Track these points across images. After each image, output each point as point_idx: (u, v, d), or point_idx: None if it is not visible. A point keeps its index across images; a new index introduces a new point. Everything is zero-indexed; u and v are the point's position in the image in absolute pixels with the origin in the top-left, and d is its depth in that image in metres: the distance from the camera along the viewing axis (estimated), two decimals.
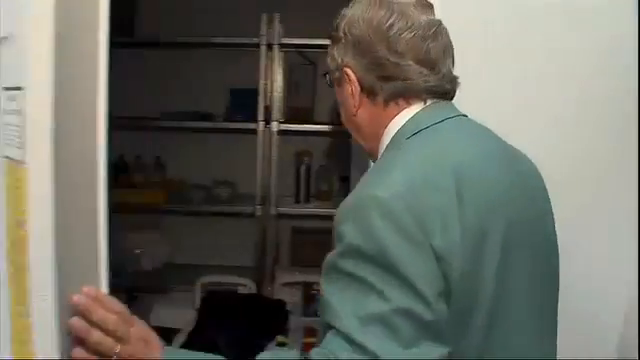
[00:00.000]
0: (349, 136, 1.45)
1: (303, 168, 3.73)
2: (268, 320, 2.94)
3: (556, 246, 1.30)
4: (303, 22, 3.32)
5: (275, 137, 3.49)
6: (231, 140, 3.80)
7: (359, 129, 1.36)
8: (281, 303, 3.16)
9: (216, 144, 3.85)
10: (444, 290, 1.06)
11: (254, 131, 3.47)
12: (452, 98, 1.33)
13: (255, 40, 3.39)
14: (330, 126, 3.49)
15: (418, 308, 1.02)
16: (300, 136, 3.74)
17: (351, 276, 1.05)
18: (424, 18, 1.26)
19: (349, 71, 1.29)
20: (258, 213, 3.49)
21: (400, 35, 1.24)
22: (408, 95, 1.27)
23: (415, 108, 1.27)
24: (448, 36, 1.30)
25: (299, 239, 3.79)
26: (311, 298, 3.26)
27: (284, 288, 3.36)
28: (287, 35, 3.47)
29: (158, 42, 3.68)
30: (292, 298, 3.31)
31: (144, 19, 3.79)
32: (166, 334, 2.52)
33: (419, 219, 1.06)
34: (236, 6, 3.65)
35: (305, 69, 3.71)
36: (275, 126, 3.47)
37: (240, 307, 3.06)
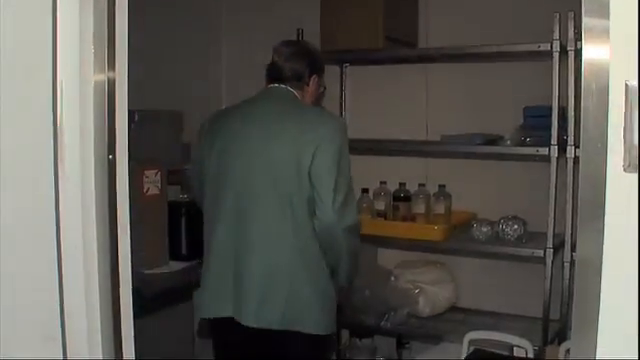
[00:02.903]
0: None
1: None
2: None
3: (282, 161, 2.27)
4: None
5: (571, 165, 2.81)
6: (523, 168, 3.20)
7: None
8: None
9: (505, 172, 3.28)
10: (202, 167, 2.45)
11: (547, 158, 2.83)
12: (281, 71, 2.43)
13: (545, 47, 2.76)
14: None
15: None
16: None
17: None
18: (283, 44, 2.51)
19: None
20: (549, 258, 2.84)
21: (273, 51, 2.48)
22: (266, 80, 2.48)
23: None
24: (293, 53, 2.45)
25: None
26: None
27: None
28: None
29: (438, 56, 3.28)
30: None
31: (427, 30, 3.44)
32: None
33: (202, 133, 2.46)
34: (522, 6, 3.12)
35: None
36: (570, 152, 2.80)
37: None
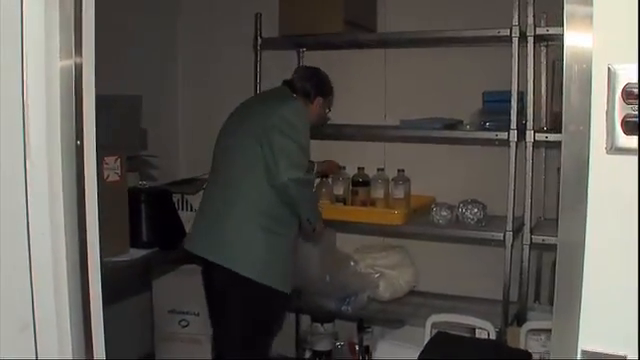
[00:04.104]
0: None
1: None
2: None
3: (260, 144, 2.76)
4: None
5: (530, 149, 2.86)
6: (482, 152, 3.24)
7: None
8: (527, 356, 2.56)
9: (464, 156, 3.32)
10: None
11: (507, 142, 2.86)
12: (294, 86, 2.98)
13: (505, 32, 2.79)
14: None
15: None
16: None
17: None
18: (301, 68, 3.33)
19: None
20: (509, 241, 2.88)
21: (294, 71, 3.14)
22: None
23: None
24: (305, 75, 3.06)
25: None
26: None
27: (533, 336, 2.72)
28: (549, 24, 2.83)
29: (397, 40, 3.29)
30: (541, 349, 2.68)
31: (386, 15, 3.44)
32: None
33: None
34: None
35: None
36: (530, 136, 2.84)
37: (473, 356, 2.53)
